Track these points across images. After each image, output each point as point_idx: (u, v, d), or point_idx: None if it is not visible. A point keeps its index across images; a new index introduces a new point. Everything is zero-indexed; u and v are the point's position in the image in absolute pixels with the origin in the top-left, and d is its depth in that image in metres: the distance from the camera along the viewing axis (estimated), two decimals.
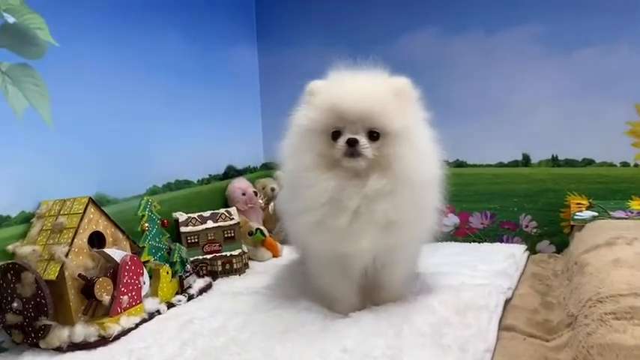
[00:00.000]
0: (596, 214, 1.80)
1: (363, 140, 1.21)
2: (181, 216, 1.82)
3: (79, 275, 1.29)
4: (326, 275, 1.38)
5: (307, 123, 1.26)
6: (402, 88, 1.27)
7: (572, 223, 1.82)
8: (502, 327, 1.27)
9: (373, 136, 1.23)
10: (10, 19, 1.36)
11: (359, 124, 1.22)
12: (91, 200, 1.39)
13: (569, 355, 1.08)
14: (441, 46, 2.15)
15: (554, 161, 2.02)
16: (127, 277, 1.36)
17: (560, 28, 1.96)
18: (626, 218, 1.73)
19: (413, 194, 1.24)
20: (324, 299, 1.39)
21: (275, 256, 2.02)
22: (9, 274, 1.26)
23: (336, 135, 1.24)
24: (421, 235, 1.38)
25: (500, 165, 2.10)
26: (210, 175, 2.16)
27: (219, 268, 1.78)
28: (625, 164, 1.91)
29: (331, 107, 1.22)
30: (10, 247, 1.33)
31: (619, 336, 0.95)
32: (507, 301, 1.42)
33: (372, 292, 1.39)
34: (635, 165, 1.90)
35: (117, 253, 1.38)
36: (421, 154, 1.25)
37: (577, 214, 1.83)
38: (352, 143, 1.21)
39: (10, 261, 1.28)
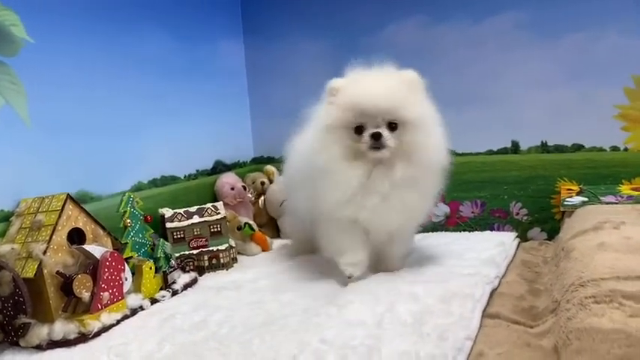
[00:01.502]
0: (586, 199, 1.78)
1: (385, 133, 1.35)
2: (167, 212, 1.80)
3: (57, 272, 1.28)
4: (344, 238, 1.49)
5: (332, 121, 1.39)
6: (413, 80, 1.41)
7: (562, 209, 1.80)
8: (487, 314, 1.25)
9: (392, 126, 1.36)
10: None
11: (379, 118, 1.35)
12: (69, 197, 1.37)
13: (552, 340, 1.06)
14: (428, 35, 2.13)
15: (544, 147, 2.00)
16: (107, 274, 1.35)
17: (546, 14, 1.93)
18: (616, 203, 1.71)
19: (432, 181, 1.43)
20: (333, 260, 1.52)
21: (265, 250, 2.01)
22: None
23: (359, 129, 1.37)
24: (425, 215, 1.55)
25: (490, 153, 2.08)
26: (197, 171, 2.15)
27: (206, 263, 1.77)
28: (615, 148, 1.89)
29: (354, 106, 1.35)
30: None
31: (597, 320, 0.93)
32: (494, 289, 1.40)
33: (376, 263, 1.53)
34: (625, 149, 1.87)
35: (97, 249, 1.37)
36: (436, 141, 1.40)
37: (567, 199, 1.81)
38: (377, 137, 1.35)
39: None
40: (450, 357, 1.00)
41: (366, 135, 1.35)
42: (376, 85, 1.37)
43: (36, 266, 1.25)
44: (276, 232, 2.24)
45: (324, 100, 1.44)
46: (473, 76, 2.07)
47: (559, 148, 1.98)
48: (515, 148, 2.04)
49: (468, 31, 2.06)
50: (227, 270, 1.78)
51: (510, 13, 1.99)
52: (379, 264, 1.54)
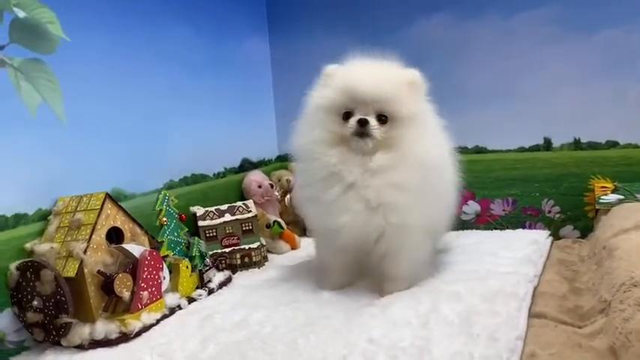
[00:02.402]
0: (622, 197, 1.75)
1: (373, 121, 1.30)
2: (199, 210, 1.80)
3: (98, 271, 1.28)
4: (321, 248, 1.54)
5: (321, 101, 1.36)
6: (413, 79, 1.36)
7: (597, 207, 1.77)
8: (531, 314, 1.23)
9: (382, 119, 1.32)
10: (21, 14, 1.34)
11: (370, 106, 1.31)
12: (107, 196, 1.37)
13: (605, 341, 1.04)
14: (456, 31, 2.10)
15: (577, 144, 1.97)
16: (146, 273, 1.34)
17: (578, 8, 1.90)
18: None
19: (412, 176, 1.30)
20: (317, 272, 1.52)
21: (293, 248, 2.00)
22: (28, 273, 1.25)
23: (347, 115, 1.33)
24: (423, 223, 1.36)
25: (521, 150, 2.05)
26: (225, 169, 2.14)
27: (238, 262, 1.76)
28: None
29: (346, 88, 1.32)
30: (28, 245, 1.32)
31: None
32: (534, 288, 1.38)
33: (380, 284, 1.41)
34: None
35: (135, 248, 1.36)
36: (426, 140, 1.34)
37: (602, 197, 1.78)
38: (363, 123, 1.30)
39: (28, 259, 1.27)
40: (504, 358, 0.99)
41: (353, 120, 1.31)
42: (373, 73, 1.33)
43: (77, 265, 1.24)
44: (303, 230, 2.23)
45: (317, 85, 1.42)
46: (503, 73, 2.04)
47: (592, 145, 1.95)
48: (547, 145, 2.01)
49: (497, 27, 2.03)
50: (259, 268, 1.77)
51: (541, 8, 1.96)
52: (382, 285, 1.41)
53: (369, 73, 1.33)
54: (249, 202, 1.86)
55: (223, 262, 1.74)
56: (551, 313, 1.23)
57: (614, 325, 1.03)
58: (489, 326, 1.10)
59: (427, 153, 1.32)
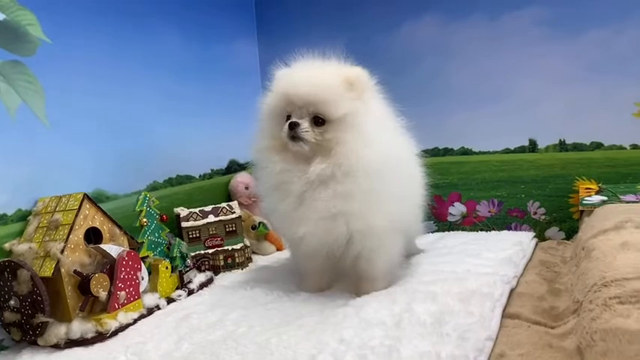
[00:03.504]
0: (605, 198, 1.75)
1: (304, 124, 1.29)
2: (182, 211, 1.80)
3: (75, 271, 1.28)
4: (293, 254, 1.54)
5: (265, 107, 1.39)
6: (352, 78, 1.31)
7: (580, 208, 1.77)
8: (507, 315, 1.23)
9: (318, 121, 1.30)
10: (1, 16, 1.35)
11: (304, 109, 1.30)
12: (86, 196, 1.38)
13: (574, 341, 1.05)
14: (444, 32, 2.11)
15: (562, 146, 1.97)
16: (124, 273, 1.35)
17: (566, 9, 1.91)
18: (636, 202, 1.68)
19: (356, 181, 1.27)
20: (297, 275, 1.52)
21: (279, 249, 2.00)
22: (5, 273, 1.26)
23: (288, 119, 1.32)
24: (389, 224, 1.33)
25: (507, 151, 2.06)
26: (212, 170, 2.15)
27: (222, 263, 1.76)
28: (635, 147, 1.86)
29: (283, 92, 1.32)
30: (6, 246, 1.33)
31: (623, 320, 0.91)
32: (513, 289, 1.39)
33: (356, 284, 1.41)
34: None
35: (113, 248, 1.37)
36: (366, 141, 1.29)
37: (586, 198, 1.78)
38: (292, 126, 1.29)
39: (6, 259, 1.28)
40: (471, 358, 0.99)
41: (286, 124, 1.30)
42: (308, 75, 1.31)
43: (54, 265, 1.25)
44: None
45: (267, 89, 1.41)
46: (490, 74, 2.04)
47: (577, 147, 1.95)
48: (532, 146, 2.01)
49: (485, 28, 2.04)
50: (242, 269, 1.78)
51: (528, 10, 1.97)
52: (358, 285, 1.40)
53: (304, 75, 1.32)
54: (234, 204, 1.86)
55: (207, 263, 1.74)
56: (526, 313, 1.23)
57: (583, 324, 1.03)
58: (461, 326, 1.10)
59: (366, 157, 1.27)
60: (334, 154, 1.27)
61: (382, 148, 1.30)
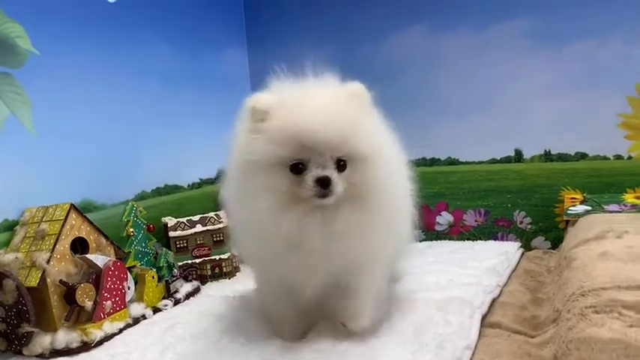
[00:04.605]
0: (589, 208, 1.77)
1: (334, 175, 1.01)
2: (170, 220, 1.81)
3: (60, 281, 1.29)
4: (268, 296, 1.25)
5: (260, 157, 1.01)
6: (360, 96, 1.09)
7: (565, 218, 1.79)
8: (487, 324, 1.25)
9: (340, 164, 1.04)
10: None
11: (327, 154, 1.01)
12: (72, 206, 1.39)
13: (551, 350, 1.06)
14: (430, 43, 2.13)
15: (547, 156, 1.99)
16: (110, 283, 1.36)
17: (550, 22, 1.93)
18: (619, 212, 1.70)
19: (387, 226, 1.11)
20: (269, 322, 1.26)
21: None
22: None
23: (295, 168, 1.02)
24: (388, 256, 1.20)
25: (493, 161, 2.08)
26: (201, 180, 2.16)
27: (209, 272, 1.78)
28: (618, 157, 1.88)
29: (292, 138, 1.00)
30: None
31: (596, 330, 0.93)
32: (495, 298, 1.40)
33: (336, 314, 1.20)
34: (629, 157, 1.87)
35: (100, 258, 1.38)
36: (393, 174, 1.11)
37: (570, 208, 1.80)
38: (325, 184, 1.00)
39: None
40: None
41: (310, 179, 1.00)
42: (323, 107, 1.02)
43: (39, 275, 1.26)
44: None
45: (241, 124, 1.08)
46: (476, 85, 2.07)
47: (562, 157, 1.97)
48: (518, 156, 2.04)
49: (471, 40, 2.06)
50: (229, 279, 1.79)
51: (514, 21, 2.00)
52: (339, 317, 1.18)
53: (319, 111, 1.01)
54: (221, 213, 1.87)
55: (194, 272, 1.75)
56: (507, 322, 1.25)
57: (560, 333, 1.04)
58: (440, 335, 1.12)
59: (396, 195, 1.11)
60: (366, 199, 1.05)
61: (403, 174, 1.17)
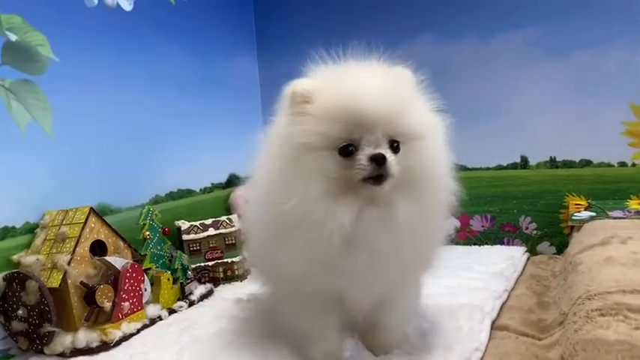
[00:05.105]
0: (594, 214, 1.81)
1: (389, 154, 0.92)
2: (183, 224, 1.85)
3: (81, 283, 1.33)
4: (311, 319, 1.09)
5: (307, 139, 0.93)
6: (410, 79, 1.03)
7: (570, 223, 1.83)
8: (496, 327, 1.29)
9: (394, 146, 0.95)
10: (13, 37, 1.41)
11: (379, 131, 0.93)
12: (92, 210, 1.43)
13: (558, 352, 1.09)
14: (438, 51, 2.17)
15: (553, 163, 2.03)
16: (127, 284, 1.40)
17: (554, 31, 1.98)
18: (623, 218, 1.74)
19: (441, 221, 1.05)
20: (295, 344, 1.14)
21: None
22: (14, 283, 1.30)
23: (346, 150, 0.93)
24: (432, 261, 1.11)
25: (499, 168, 2.12)
26: (212, 184, 2.20)
27: (221, 275, 1.81)
28: (622, 164, 1.92)
29: (341, 114, 0.92)
30: (15, 257, 1.38)
31: (602, 332, 0.97)
32: (504, 302, 1.44)
33: (365, 336, 1.16)
34: (633, 165, 1.90)
35: (118, 260, 1.42)
36: (445, 162, 1.03)
37: (575, 214, 1.84)
38: (380, 161, 0.91)
39: (15, 270, 1.32)
40: None
41: (364, 158, 0.92)
42: (373, 82, 0.94)
43: (61, 277, 1.30)
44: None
45: (283, 112, 0.99)
46: (482, 93, 2.11)
47: (567, 164, 2.01)
48: (524, 163, 2.07)
49: (477, 49, 2.11)
50: (241, 282, 1.82)
51: (519, 30, 2.04)
52: (368, 337, 1.15)
53: (369, 85, 0.94)
54: (233, 217, 1.91)
55: (207, 275, 1.79)
56: (515, 325, 1.28)
57: (567, 336, 1.08)
58: (450, 337, 1.15)
59: (448, 180, 1.02)
60: (420, 188, 0.96)
61: (450, 165, 1.04)
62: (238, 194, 2.19)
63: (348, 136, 0.93)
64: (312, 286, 1.00)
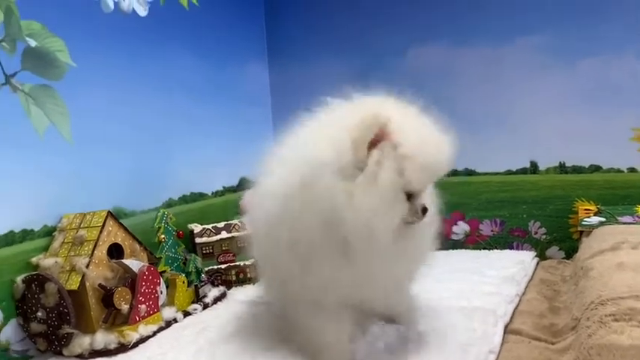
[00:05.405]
0: (603, 219, 1.82)
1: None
2: (196, 227, 1.87)
3: (99, 285, 1.35)
4: (319, 322, 1.15)
5: (398, 181, 0.99)
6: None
7: (579, 228, 1.84)
8: (509, 331, 1.30)
9: None
10: (32, 43, 1.44)
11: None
12: (109, 213, 1.45)
13: (572, 356, 1.11)
14: (449, 58, 2.19)
15: (562, 168, 2.05)
16: (144, 287, 1.42)
17: (564, 38, 2.00)
18: (633, 223, 1.75)
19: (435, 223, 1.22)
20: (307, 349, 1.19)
21: None
22: (33, 285, 1.32)
23: (409, 195, 1.03)
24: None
25: (509, 173, 2.13)
26: (224, 187, 2.22)
27: (234, 278, 1.83)
28: (632, 170, 1.93)
29: (427, 168, 1.01)
30: (33, 260, 1.40)
31: (616, 337, 0.98)
32: (515, 307, 1.45)
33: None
34: None
35: (135, 263, 1.44)
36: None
37: (585, 219, 1.85)
38: (426, 212, 1.05)
39: (34, 272, 1.35)
40: None
41: (419, 208, 1.04)
42: (439, 137, 1.05)
43: (79, 279, 1.32)
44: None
45: (363, 137, 0.99)
46: (493, 99, 2.13)
47: (577, 169, 2.02)
48: (533, 168, 2.09)
49: (488, 55, 2.12)
50: (254, 284, 1.84)
51: (529, 37, 2.05)
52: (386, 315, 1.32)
53: (440, 141, 1.05)
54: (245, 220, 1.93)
55: (219, 278, 1.81)
56: (527, 330, 1.29)
57: (580, 340, 1.09)
58: (465, 339, 1.17)
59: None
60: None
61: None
62: (247, 200, 2.20)
63: (421, 189, 1.05)
64: (335, 297, 1.09)
